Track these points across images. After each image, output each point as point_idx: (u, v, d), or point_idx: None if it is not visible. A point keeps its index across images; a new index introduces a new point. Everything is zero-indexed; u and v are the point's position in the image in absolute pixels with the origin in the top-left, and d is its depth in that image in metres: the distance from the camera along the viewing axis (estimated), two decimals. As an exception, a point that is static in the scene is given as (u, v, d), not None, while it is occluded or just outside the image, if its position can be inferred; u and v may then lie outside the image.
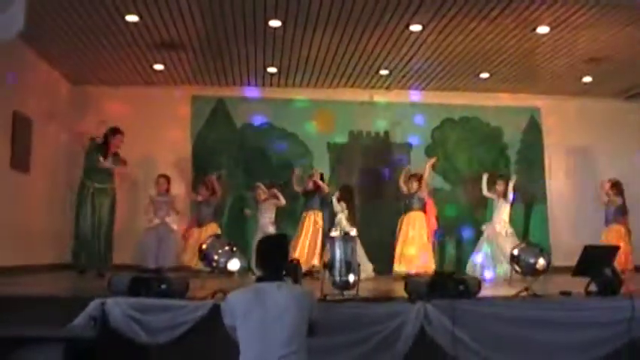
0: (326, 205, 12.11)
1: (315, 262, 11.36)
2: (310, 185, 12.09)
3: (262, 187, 12.18)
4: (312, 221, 11.89)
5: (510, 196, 11.87)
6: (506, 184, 11.95)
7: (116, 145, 10.89)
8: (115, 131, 10.86)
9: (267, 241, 5.42)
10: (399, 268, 11.29)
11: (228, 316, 4.97)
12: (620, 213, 12.05)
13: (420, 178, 11.85)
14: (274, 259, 5.13)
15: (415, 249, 11.33)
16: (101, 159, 10.63)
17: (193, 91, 13.50)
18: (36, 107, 11.26)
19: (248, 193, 12.78)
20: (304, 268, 11.46)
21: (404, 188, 11.92)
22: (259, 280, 5.04)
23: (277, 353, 4.58)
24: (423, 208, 11.91)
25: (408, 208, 11.78)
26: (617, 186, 12.15)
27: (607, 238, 11.69)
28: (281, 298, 4.75)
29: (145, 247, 11.39)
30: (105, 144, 10.81)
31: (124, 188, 12.07)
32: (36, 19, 9.54)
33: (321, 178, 12.18)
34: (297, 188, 12.24)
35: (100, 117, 11.55)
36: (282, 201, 12.06)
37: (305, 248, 11.62)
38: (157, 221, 11.61)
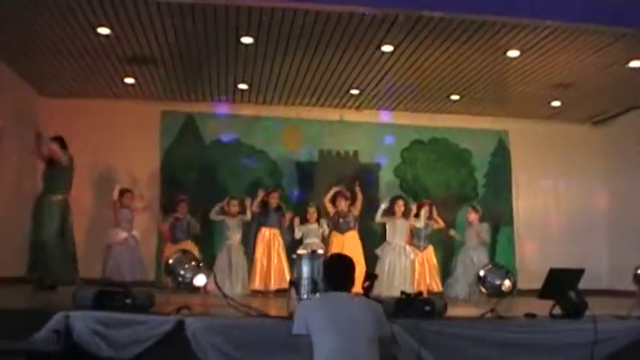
0: (282, 223, 12.12)
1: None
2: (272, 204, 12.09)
3: (234, 201, 12.13)
4: (271, 238, 11.91)
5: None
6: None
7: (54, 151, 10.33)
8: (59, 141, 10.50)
9: (334, 261, 5.37)
10: None
11: (300, 325, 4.85)
12: None
13: (350, 197, 12.04)
14: (344, 278, 5.10)
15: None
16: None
17: (163, 106, 13.41)
18: (1, 117, 11.13)
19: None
20: (274, 287, 11.54)
21: (329, 207, 12.08)
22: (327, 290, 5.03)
23: (359, 345, 4.57)
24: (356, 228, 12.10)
25: (343, 228, 11.95)
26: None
27: None
28: (353, 303, 4.79)
29: (119, 261, 11.32)
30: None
31: (89, 201, 12.00)
32: (5, 28, 9.50)
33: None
34: (256, 209, 12.14)
35: (67, 129, 11.36)
36: (249, 216, 12.04)
37: (269, 267, 11.69)
38: (124, 235, 11.54)
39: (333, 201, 12.11)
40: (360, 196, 12.22)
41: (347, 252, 11.28)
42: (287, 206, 12.44)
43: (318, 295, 5.00)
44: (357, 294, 5.15)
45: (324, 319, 4.70)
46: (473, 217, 12.41)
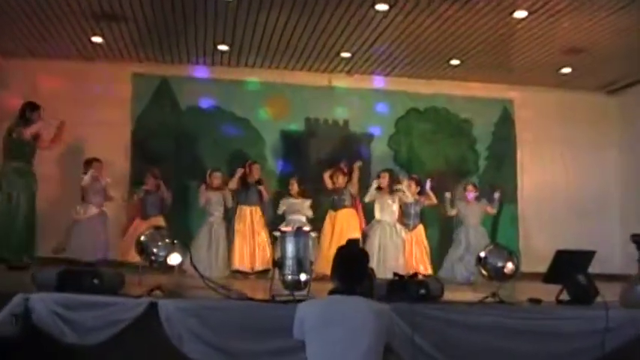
0: (262, 200, 12.12)
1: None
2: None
3: (217, 173, 12.10)
4: (252, 216, 11.93)
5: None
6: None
7: (35, 121, 10.46)
8: (32, 107, 10.56)
9: (349, 250, 5.34)
10: None
11: (296, 330, 4.91)
12: None
13: (347, 172, 12.07)
14: (356, 272, 5.08)
15: None
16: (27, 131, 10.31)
17: (135, 68, 13.34)
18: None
19: (193, 182, 12.68)
20: (260, 267, 11.55)
21: (328, 182, 12.10)
22: (333, 292, 4.98)
23: None
24: (354, 206, 12.10)
25: (337, 205, 12.00)
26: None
27: None
28: (358, 313, 4.71)
29: (85, 238, 11.28)
30: (22, 118, 10.52)
31: (52, 173, 11.94)
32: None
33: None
34: (234, 186, 12.08)
35: (27, 93, 11.25)
36: (231, 189, 12.00)
37: (251, 246, 11.70)
38: (94, 210, 11.50)
39: (331, 177, 12.11)
40: (357, 173, 12.20)
41: (338, 230, 11.58)
42: (271, 179, 12.44)
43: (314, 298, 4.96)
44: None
45: (317, 336, 4.71)
46: (471, 194, 12.42)
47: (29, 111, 10.51)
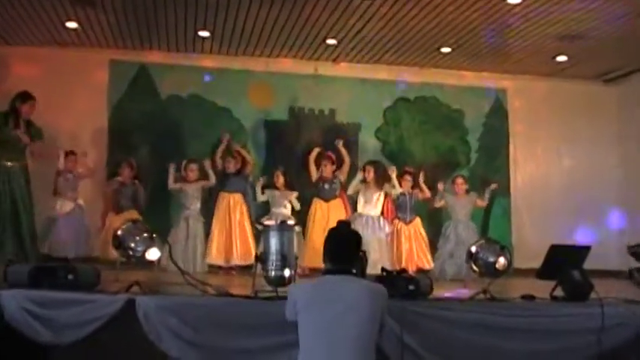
0: (248, 187, 12.12)
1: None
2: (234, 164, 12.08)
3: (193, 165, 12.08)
4: (233, 204, 11.91)
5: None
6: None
7: (27, 113, 10.42)
8: (24, 97, 10.50)
9: (340, 231, 5.41)
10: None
11: (288, 311, 4.99)
12: None
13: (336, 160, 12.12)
14: (347, 252, 5.14)
15: None
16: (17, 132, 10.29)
17: (112, 54, 13.30)
18: None
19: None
20: (240, 262, 11.54)
21: (313, 171, 12.13)
22: (326, 272, 5.02)
23: (343, 356, 4.56)
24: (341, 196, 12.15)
25: (328, 196, 12.02)
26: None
27: None
28: (351, 292, 4.75)
29: (64, 235, 11.28)
30: (14, 112, 10.49)
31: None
32: None
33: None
34: (220, 161, 12.12)
35: (3, 79, 11.23)
36: (213, 180, 12.00)
37: (231, 238, 11.69)
38: (70, 205, 11.49)
39: (317, 164, 12.09)
40: (347, 159, 12.23)
41: (332, 223, 11.48)
42: (254, 171, 12.44)
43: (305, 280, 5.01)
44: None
45: (309, 316, 4.74)
46: (461, 187, 12.43)
47: (19, 102, 10.40)
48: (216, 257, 11.61)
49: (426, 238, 12.40)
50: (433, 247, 12.56)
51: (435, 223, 13.05)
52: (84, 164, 11.95)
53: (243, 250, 11.62)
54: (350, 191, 11.99)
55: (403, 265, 11.43)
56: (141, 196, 12.11)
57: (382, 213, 12.10)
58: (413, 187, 12.42)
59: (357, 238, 5.34)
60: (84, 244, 11.48)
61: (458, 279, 11.20)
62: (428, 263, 12.09)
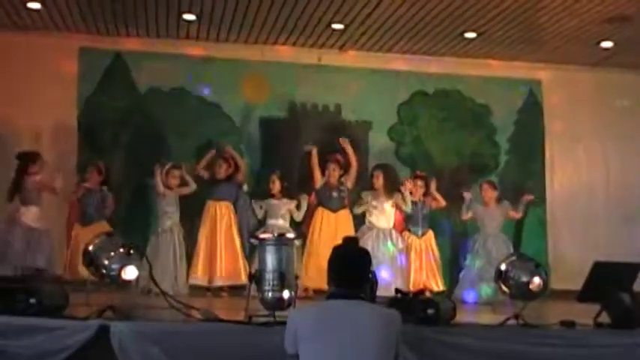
0: (240, 196, 12.14)
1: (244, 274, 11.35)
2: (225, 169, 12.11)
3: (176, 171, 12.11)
4: (220, 214, 11.94)
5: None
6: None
7: None
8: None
9: (347, 249, 5.37)
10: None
11: (288, 341, 4.91)
12: None
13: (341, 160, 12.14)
14: (355, 274, 5.09)
15: None
16: None
17: (82, 41, 13.30)
18: None
19: (151, 179, 12.67)
20: (227, 282, 11.55)
21: (317, 176, 12.17)
22: (331, 297, 5.01)
23: None
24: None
25: (335, 205, 12.02)
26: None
27: None
28: (361, 319, 4.73)
29: (23, 248, 11.24)
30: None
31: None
32: None
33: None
34: (204, 172, 12.17)
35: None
36: (193, 186, 12.05)
37: (221, 253, 11.72)
38: (33, 211, 11.46)
39: (323, 170, 12.13)
40: (354, 161, 12.23)
41: (341, 235, 11.47)
42: (247, 177, 12.46)
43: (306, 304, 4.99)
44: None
45: (312, 347, 4.72)
46: (489, 194, 12.38)
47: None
48: (201, 275, 11.61)
49: (437, 255, 12.38)
50: (453, 266, 12.56)
51: (459, 237, 13.05)
52: (49, 179, 11.84)
53: (230, 267, 11.62)
54: (358, 210, 11.99)
55: (410, 284, 11.45)
56: (108, 204, 12.07)
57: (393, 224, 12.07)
58: (425, 195, 12.39)
59: (366, 258, 5.28)
60: (48, 259, 11.42)
61: (486, 302, 11.21)
62: (437, 285, 12.08)
